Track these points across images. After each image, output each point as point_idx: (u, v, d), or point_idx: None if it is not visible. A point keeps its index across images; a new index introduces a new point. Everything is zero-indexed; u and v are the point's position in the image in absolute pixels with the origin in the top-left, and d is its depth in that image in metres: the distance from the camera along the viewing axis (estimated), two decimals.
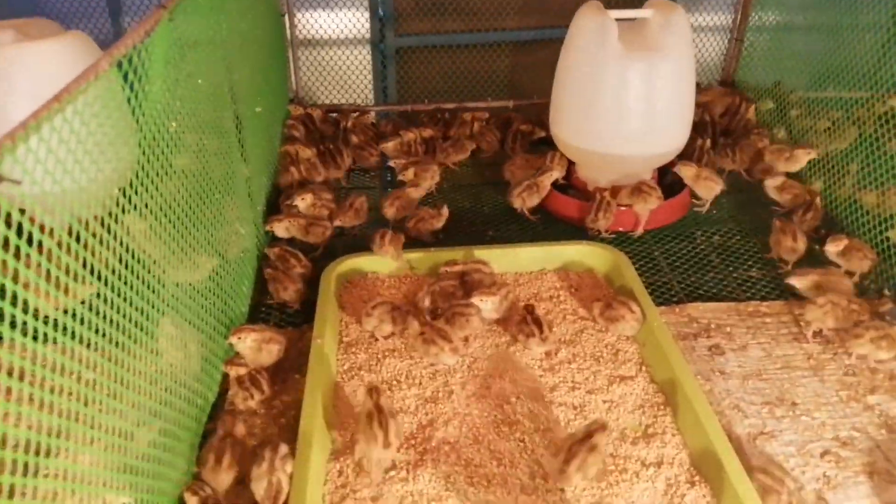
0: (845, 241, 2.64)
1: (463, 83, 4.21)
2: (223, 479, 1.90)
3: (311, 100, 4.16)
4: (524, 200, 3.12)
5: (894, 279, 2.61)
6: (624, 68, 2.84)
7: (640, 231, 3.04)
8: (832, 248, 2.64)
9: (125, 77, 1.52)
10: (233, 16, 2.56)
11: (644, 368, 2.28)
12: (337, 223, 3.01)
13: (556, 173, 3.18)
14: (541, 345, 2.31)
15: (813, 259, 2.78)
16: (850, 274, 2.61)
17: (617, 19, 2.86)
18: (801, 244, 2.76)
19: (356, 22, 4.03)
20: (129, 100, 1.68)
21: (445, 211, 3.01)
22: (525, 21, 4.06)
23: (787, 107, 3.54)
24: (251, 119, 2.79)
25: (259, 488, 1.82)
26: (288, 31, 3.93)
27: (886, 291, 2.58)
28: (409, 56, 4.13)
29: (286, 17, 3.90)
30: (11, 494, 1.12)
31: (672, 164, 3.20)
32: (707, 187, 3.11)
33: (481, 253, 2.69)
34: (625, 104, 2.89)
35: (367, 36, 4.06)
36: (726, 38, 4.10)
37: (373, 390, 1.94)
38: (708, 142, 3.44)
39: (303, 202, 3.01)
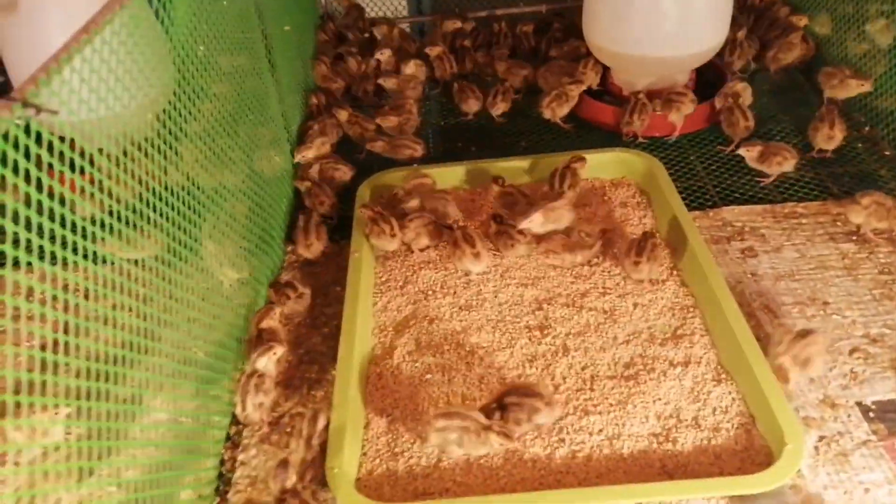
0: (759, 146, 2.66)
1: None
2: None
3: (340, 14, 4.10)
4: (553, 111, 3.09)
5: None
6: None
7: (675, 136, 2.99)
8: (747, 155, 2.68)
9: (150, 3, 1.55)
10: None
11: (675, 272, 2.31)
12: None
13: (588, 81, 3.13)
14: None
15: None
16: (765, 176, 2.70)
17: None
18: (839, 132, 2.71)
19: None
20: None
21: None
22: None
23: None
24: (280, 38, 2.80)
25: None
26: None
27: None
28: None
29: None
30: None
31: (710, 63, 3.11)
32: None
33: (513, 164, 2.71)
34: (659, 3, 2.80)
35: None
36: None
37: None
38: (743, 32, 3.30)
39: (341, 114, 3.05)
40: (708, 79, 3.21)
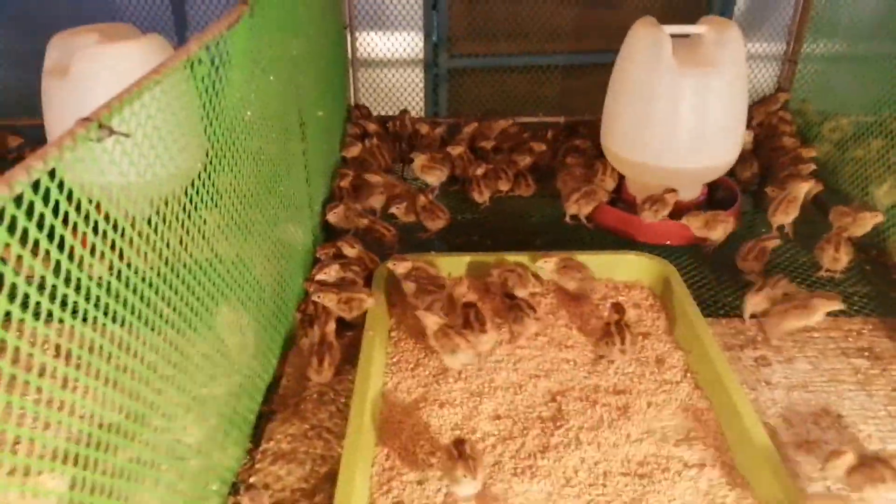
0: (703, 216, 2.97)
1: (513, 104, 4.29)
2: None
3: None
4: (580, 207, 3.18)
5: None
6: (677, 82, 2.89)
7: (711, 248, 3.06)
8: (693, 224, 2.97)
9: (211, 62, 1.62)
10: (303, 22, 2.70)
11: (689, 374, 2.30)
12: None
13: (608, 186, 3.23)
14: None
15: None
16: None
17: (671, 35, 2.91)
18: (845, 255, 2.78)
19: (411, 43, 4.15)
20: (207, 91, 1.79)
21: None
22: (576, 45, 4.14)
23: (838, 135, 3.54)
24: (314, 121, 2.91)
25: None
26: (349, 50, 4.08)
27: None
28: (461, 77, 4.24)
29: (348, 32, 4.04)
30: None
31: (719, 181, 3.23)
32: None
33: (531, 258, 2.75)
34: (677, 118, 2.93)
35: (421, 57, 4.18)
36: (779, 60, 4.11)
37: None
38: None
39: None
40: (719, 193, 3.31)
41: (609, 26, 4.00)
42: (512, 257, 2.74)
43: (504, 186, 3.48)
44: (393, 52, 4.18)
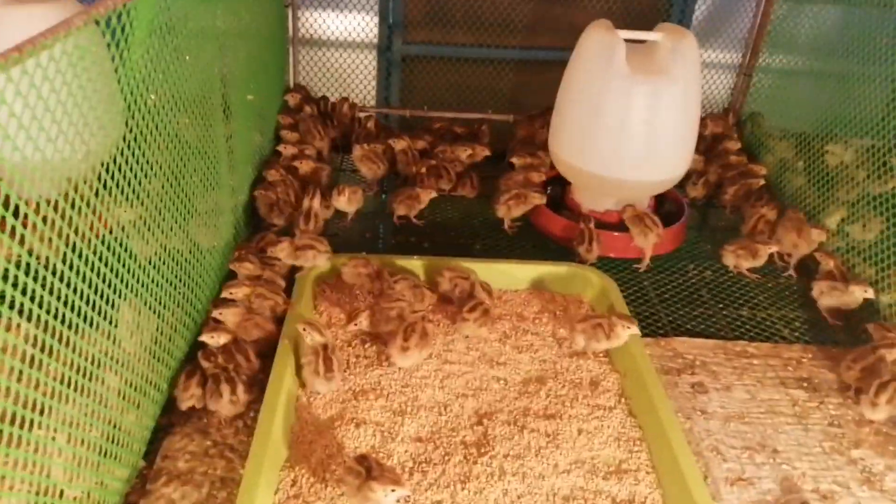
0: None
1: (466, 96, 4.12)
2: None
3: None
4: (509, 209, 3.07)
5: None
6: (629, 90, 2.77)
7: (644, 265, 2.94)
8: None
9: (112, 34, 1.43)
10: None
11: (623, 400, 2.18)
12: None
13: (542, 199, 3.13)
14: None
15: None
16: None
17: (626, 40, 2.79)
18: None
19: (363, 25, 3.95)
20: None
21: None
22: (534, 40, 4.00)
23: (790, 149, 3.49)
24: (241, 106, 2.69)
25: None
26: (290, 26, 3.84)
27: None
28: (415, 65, 4.06)
29: (290, 9, 3.81)
30: None
31: (670, 192, 3.14)
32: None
33: (465, 265, 2.59)
34: (627, 127, 2.81)
35: (374, 41, 3.98)
36: (734, 72, 4.05)
37: None
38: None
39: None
40: (668, 207, 3.22)
41: (572, 24, 3.88)
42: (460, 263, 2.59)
43: (445, 185, 3.32)
44: (344, 33, 3.97)
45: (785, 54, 3.70)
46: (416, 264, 2.60)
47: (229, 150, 2.54)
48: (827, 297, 2.61)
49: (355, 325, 2.31)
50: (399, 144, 3.43)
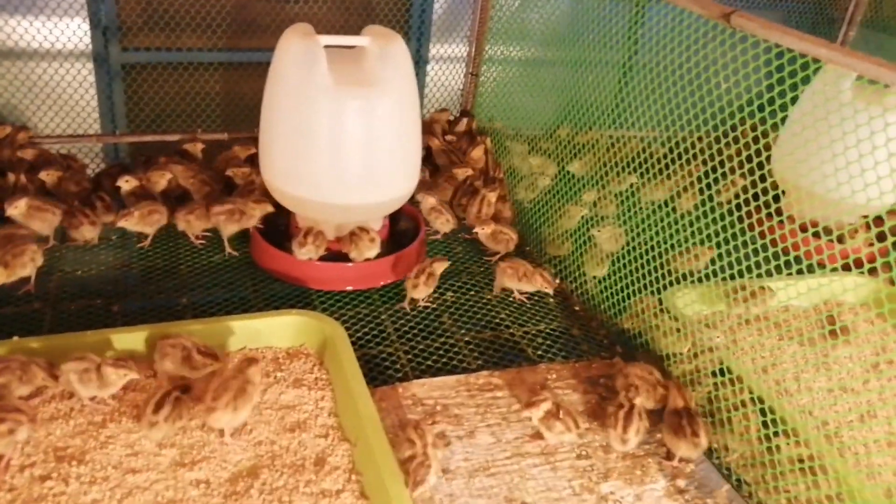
0: (493, 226, 2.90)
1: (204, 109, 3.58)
2: None
3: None
4: (222, 224, 2.70)
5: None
6: (335, 103, 2.43)
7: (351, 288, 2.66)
8: (481, 232, 2.88)
9: None
10: None
11: (353, 478, 1.84)
12: None
13: (269, 207, 2.77)
14: None
15: None
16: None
17: (327, 46, 2.45)
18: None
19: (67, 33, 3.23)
20: None
21: None
22: (246, 41, 3.54)
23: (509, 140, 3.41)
24: None
25: None
26: None
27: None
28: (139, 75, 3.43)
29: None
30: None
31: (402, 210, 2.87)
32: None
33: (147, 333, 2.10)
34: (338, 145, 2.48)
35: (85, 49, 3.28)
36: (462, 71, 3.89)
37: None
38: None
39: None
40: (403, 227, 2.96)
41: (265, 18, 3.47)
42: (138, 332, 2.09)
43: (108, 218, 2.76)
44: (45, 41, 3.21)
45: (505, 49, 3.61)
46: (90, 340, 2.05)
47: None
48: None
49: None
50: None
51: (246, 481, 1.80)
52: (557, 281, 2.76)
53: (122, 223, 2.64)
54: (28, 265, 2.36)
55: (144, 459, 1.82)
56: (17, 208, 2.53)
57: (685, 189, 2.84)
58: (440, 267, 2.57)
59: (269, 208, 2.77)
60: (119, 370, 1.89)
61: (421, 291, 2.54)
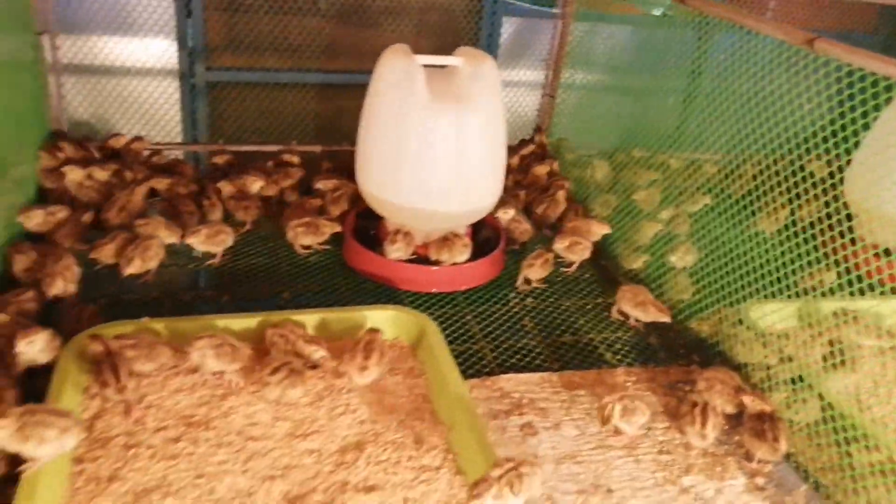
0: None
1: (280, 125, 3.84)
2: None
3: (82, 134, 3.52)
4: (297, 236, 2.92)
5: None
6: (430, 117, 2.62)
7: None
8: (559, 245, 2.99)
9: None
10: None
11: (450, 456, 1.99)
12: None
13: (337, 227, 3.00)
14: None
15: None
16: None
17: (424, 65, 2.64)
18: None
19: (158, 52, 3.54)
20: None
21: None
22: (346, 63, 3.79)
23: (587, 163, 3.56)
24: None
25: None
26: (49, 55, 3.31)
27: None
28: (222, 93, 3.72)
29: (47, 39, 3.28)
30: None
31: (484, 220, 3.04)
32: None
33: (269, 319, 2.29)
34: (431, 156, 2.66)
35: (171, 68, 3.58)
36: (539, 93, 4.07)
37: None
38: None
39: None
40: (485, 236, 3.12)
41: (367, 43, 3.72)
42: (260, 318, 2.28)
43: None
44: (137, 60, 3.52)
45: (585, 74, 3.79)
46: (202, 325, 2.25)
47: None
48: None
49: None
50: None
51: (353, 453, 1.96)
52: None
53: (189, 240, 2.77)
54: (154, 259, 2.63)
55: (262, 429, 2.00)
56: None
57: (768, 214, 2.94)
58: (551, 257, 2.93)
59: (338, 228, 2.97)
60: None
61: (536, 272, 2.87)
